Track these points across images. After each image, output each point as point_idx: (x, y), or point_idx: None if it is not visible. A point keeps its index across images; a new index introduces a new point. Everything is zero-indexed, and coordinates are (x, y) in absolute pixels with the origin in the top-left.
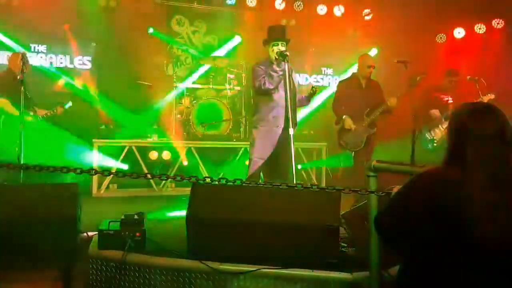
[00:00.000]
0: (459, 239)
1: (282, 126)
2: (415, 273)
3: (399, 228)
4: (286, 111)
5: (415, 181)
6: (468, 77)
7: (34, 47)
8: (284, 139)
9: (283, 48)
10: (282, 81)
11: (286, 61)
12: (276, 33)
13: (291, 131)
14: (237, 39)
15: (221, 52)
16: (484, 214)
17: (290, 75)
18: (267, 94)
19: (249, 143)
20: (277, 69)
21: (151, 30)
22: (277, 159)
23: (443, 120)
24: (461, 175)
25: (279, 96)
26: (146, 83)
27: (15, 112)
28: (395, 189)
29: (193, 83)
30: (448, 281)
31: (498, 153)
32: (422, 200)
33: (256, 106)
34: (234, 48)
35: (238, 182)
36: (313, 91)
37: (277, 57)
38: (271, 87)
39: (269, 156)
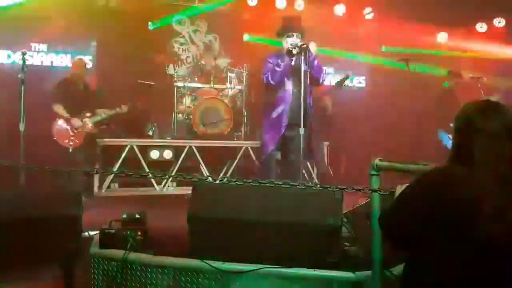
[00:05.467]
0: (466, 238)
1: (287, 122)
2: (420, 271)
3: (404, 227)
4: (293, 108)
5: (422, 179)
6: (470, 75)
7: (35, 46)
8: (291, 138)
9: (297, 40)
10: (291, 76)
11: (302, 54)
12: (289, 24)
13: (301, 131)
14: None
15: None
16: (492, 213)
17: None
18: (271, 88)
19: (251, 142)
20: (281, 63)
21: (150, 26)
22: (287, 159)
23: None
24: (468, 174)
25: (285, 91)
26: (147, 82)
27: (65, 114)
28: (399, 187)
29: (194, 82)
30: (454, 280)
31: (505, 151)
32: (429, 199)
33: (263, 101)
34: (235, 47)
35: (239, 181)
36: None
37: (291, 49)
38: (272, 82)
39: (274, 153)
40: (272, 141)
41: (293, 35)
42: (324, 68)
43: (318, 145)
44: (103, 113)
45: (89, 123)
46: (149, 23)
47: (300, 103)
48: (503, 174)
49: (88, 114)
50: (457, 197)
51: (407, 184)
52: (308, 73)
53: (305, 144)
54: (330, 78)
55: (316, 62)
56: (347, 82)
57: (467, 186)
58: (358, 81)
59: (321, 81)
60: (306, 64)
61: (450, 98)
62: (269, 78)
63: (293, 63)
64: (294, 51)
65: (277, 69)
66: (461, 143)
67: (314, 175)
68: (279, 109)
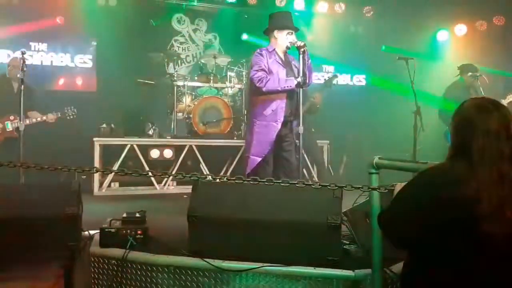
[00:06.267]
0: (465, 235)
1: (282, 120)
2: (420, 269)
3: (403, 225)
4: (289, 104)
5: (420, 177)
6: (469, 73)
7: (35, 46)
8: (286, 135)
9: (295, 39)
10: (284, 71)
11: (301, 52)
12: (289, 21)
13: (301, 129)
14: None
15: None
16: (491, 210)
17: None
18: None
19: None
20: (276, 60)
21: (152, 23)
22: (281, 156)
23: None
24: (467, 171)
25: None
26: (148, 81)
27: None
28: (398, 186)
29: (194, 81)
30: (454, 278)
31: (504, 149)
32: (428, 196)
33: (253, 98)
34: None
35: (239, 179)
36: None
37: (290, 46)
38: (264, 90)
39: (270, 153)
40: (261, 147)
41: (292, 33)
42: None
43: (313, 143)
44: (32, 119)
45: (9, 127)
46: (151, 20)
47: (296, 100)
48: (503, 173)
49: (11, 117)
50: (456, 195)
51: (406, 182)
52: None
53: (296, 141)
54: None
55: (309, 62)
56: (335, 81)
57: (466, 184)
58: (358, 80)
59: (309, 82)
60: (304, 63)
61: (462, 93)
62: (263, 84)
63: (284, 58)
64: (293, 46)
65: (277, 86)
66: (460, 141)
67: (314, 174)
68: (273, 105)
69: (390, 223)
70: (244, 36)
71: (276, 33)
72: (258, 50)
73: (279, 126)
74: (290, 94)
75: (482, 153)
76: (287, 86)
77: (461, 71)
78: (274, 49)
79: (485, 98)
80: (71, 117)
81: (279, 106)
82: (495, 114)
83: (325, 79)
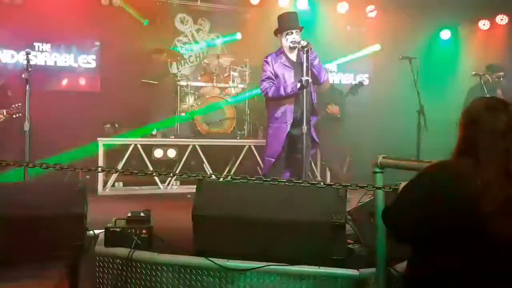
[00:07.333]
0: (470, 232)
1: (291, 121)
2: (424, 267)
3: (407, 221)
4: (298, 106)
5: (425, 173)
6: (473, 72)
7: (38, 46)
8: (298, 136)
9: (298, 37)
10: (292, 72)
11: (305, 52)
12: (288, 22)
13: (304, 129)
14: (238, 36)
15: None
16: (496, 207)
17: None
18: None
19: (254, 140)
20: (282, 62)
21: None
22: (291, 157)
23: None
24: (472, 168)
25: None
26: (151, 81)
27: None
28: (402, 185)
29: (197, 81)
30: (458, 275)
31: (511, 147)
32: (432, 193)
33: (268, 102)
34: (237, 46)
35: (243, 179)
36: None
37: (292, 46)
38: (270, 95)
39: (282, 154)
40: (274, 148)
41: (292, 33)
42: (324, 67)
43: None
44: None
45: None
46: (145, 20)
47: (304, 100)
48: (508, 169)
49: None
50: (460, 192)
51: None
52: (310, 70)
53: (309, 140)
54: (332, 76)
55: (317, 60)
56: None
57: (470, 181)
58: (361, 79)
59: (322, 80)
60: (308, 62)
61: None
62: (269, 94)
63: (294, 59)
64: (297, 46)
65: (282, 92)
66: (467, 139)
67: (317, 173)
68: (282, 108)
69: (394, 218)
70: (239, 36)
71: (280, 35)
72: (265, 57)
73: (289, 127)
74: (299, 96)
75: (488, 152)
76: (291, 91)
77: (487, 71)
78: (282, 52)
79: (495, 97)
80: (18, 115)
81: (287, 108)
82: (502, 113)
83: (353, 85)
